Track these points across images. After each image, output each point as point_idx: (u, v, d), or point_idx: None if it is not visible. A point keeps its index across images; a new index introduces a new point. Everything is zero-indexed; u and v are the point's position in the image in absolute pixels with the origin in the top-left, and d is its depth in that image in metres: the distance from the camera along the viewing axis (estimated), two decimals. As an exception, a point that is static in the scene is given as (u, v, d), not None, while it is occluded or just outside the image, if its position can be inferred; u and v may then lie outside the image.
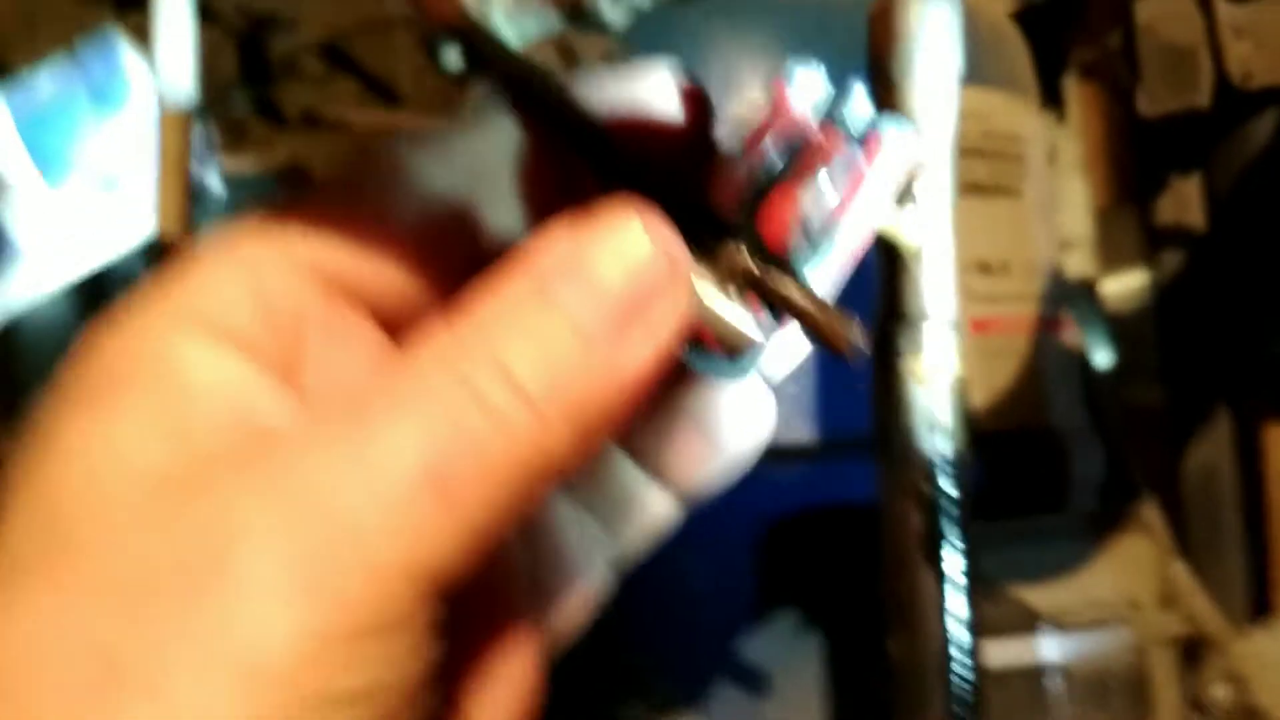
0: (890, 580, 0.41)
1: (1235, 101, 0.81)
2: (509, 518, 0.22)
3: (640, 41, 0.65)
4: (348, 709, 0.20)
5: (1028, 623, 0.55)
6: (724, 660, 0.62)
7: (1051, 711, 0.55)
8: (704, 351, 0.25)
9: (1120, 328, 0.85)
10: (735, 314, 0.25)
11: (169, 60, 0.50)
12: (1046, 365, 0.70)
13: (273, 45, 0.83)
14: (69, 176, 0.79)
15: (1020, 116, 0.73)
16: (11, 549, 0.21)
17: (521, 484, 0.22)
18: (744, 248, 0.25)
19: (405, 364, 0.22)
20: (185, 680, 0.19)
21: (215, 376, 0.23)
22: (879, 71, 0.42)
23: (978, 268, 0.68)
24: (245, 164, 1.03)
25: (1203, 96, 0.79)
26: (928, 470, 0.40)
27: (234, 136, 1.06)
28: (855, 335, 0.24)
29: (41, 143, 0.78)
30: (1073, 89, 0.93)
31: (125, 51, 0.78)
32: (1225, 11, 0.78)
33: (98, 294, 0.93)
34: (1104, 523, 0.65)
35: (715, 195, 0.25)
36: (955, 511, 0.40)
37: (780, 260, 0.25)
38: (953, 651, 0.39)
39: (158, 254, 0.50)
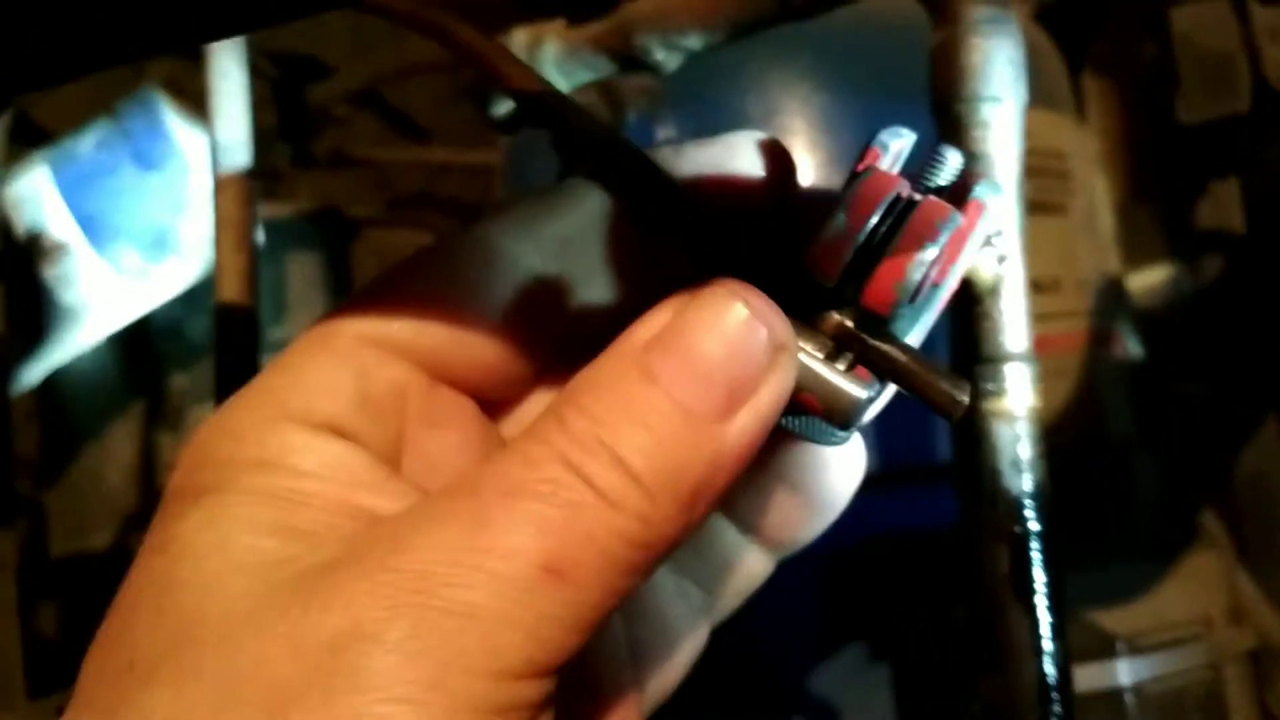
0: (981, 621, 0.40)
1: (1273, 104, 0.81)
2: (623, 597, 0.22)
3: (681, 80, 0.65)
4: None
5: (1104, 647, 0.55)
6: (792, 694, 0.62)
7: (1131, 733, 0.55)
8: (805, 416, 0.25)
9: (1149, 322, 0.84)
10: (840, 381, 0.25)
11: (226, 122, 0.51)
12: (1100, 380, 0.70)
13: (310, 93, 0.84)
14: (115, 238, 0.80)
15: (1062, 132, 0.73)
16: (134, 645, 0.22)
17: (635, 564, 0.22)
18: (848, 313, 0.25)
19: (514, 452, 0.23)
20: None
21: (320, 466, 0.23)
22: (943, 107, 0.42)
23: (1030, 287, 0.68)
24: (280, 209, 1.04)
25: (1242, 101, 0.79)
26: (1015, 509, 0.40)
27: (269, 183, 1.06)
28: (964, 394, 0.24)
29: (87, 205, 0.79)
30: (1090, 86, 0.93)
31: (167, 111, 0.78)
32: (1261, 16, 0.78)
33: (137, 341, 0.93)
34: (1169, 539, 0.65)
35: (815, 260, 0.25)
36: (1043, 548, 0.40)
37: (882, 322, 0.25)
38: (1050, 692, 0.39)
39: (221, 320, 0.50)
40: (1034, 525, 0.40)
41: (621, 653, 0.30)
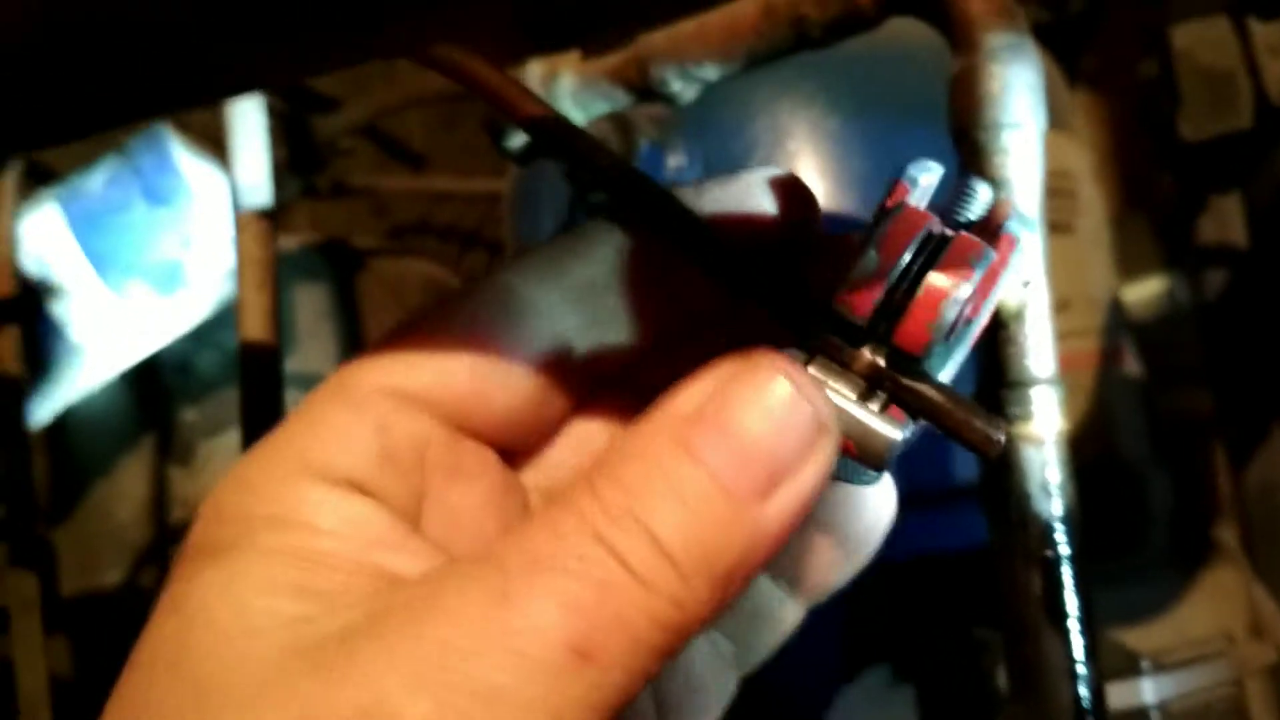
0: (1013, 646, 0.40)
1: (1274, 119, 0.82)
2: (651, 675, 0.22)
3: (692, 106, 0.65)
4: None
5: (1129, 665, 0.55)
6: (820, 715, 0.62)
7: (1158, 752, 0.55)
8: (840, 459, 0.25)
9: (1150, 335, 0.85)
10: (874, 422, 0.24)
11: (246, 162, 0.51)
12: (1112, 397, 0.70)
13: (317, 127, 0.84)
14: (126, 273, 0.80)
15: (1069, 151, 0.74)
16: (149, 710, 0.21)
17: (664, 646, 0.22)
18: (880, 351, 0.25)
19: (542, 522, 0.22)
20: None
21: (339, 523, 0.23)
22: (963, 134, 0.42)
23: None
24: (286, 241, 1.04)
25: (1244, 118, 0.80)
26: (1046, 533, 0.40)
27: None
28: (1000, 433, 0.24)
29: (97, 243, 0.79)
30: (1082, 100, 0.93)
31: (177, 148, 0.79)
32: (1261, 33, 0.79)
33: (147, 376, 0.93)
34: (1186, 554, 0.65)
35: (847, 299, 0.25)
36: (1075, 571, 0.40)
37: (915, 361, 0.25)
38: (1086, 715, 0.39)
39: (245, 358, 0.50)
40: (1065, 549, 0.40)
41: (649, 710, 0.29)
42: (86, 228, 0.79)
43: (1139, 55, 0.91)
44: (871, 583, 0.64)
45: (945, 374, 0.26)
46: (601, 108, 0.52)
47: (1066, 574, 0.40)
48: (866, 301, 0.24)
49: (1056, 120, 0.75)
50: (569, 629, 0.21)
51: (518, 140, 0.56)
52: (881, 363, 0.25)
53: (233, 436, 0.79)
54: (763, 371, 0.23)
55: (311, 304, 1.00)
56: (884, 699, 0.61)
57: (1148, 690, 0.55)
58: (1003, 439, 0.24)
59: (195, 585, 0.22)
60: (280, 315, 0.96)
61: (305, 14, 0.20)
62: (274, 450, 0.24)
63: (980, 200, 0.26)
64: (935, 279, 0.24)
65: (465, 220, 1.41)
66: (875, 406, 0.25)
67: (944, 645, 0.61)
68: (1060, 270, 0.70)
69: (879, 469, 0.25)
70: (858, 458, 0.25)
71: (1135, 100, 0.91)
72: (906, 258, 0.24)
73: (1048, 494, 0.40)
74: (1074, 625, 0.39)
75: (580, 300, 0.27)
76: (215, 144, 0.71)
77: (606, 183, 0.26)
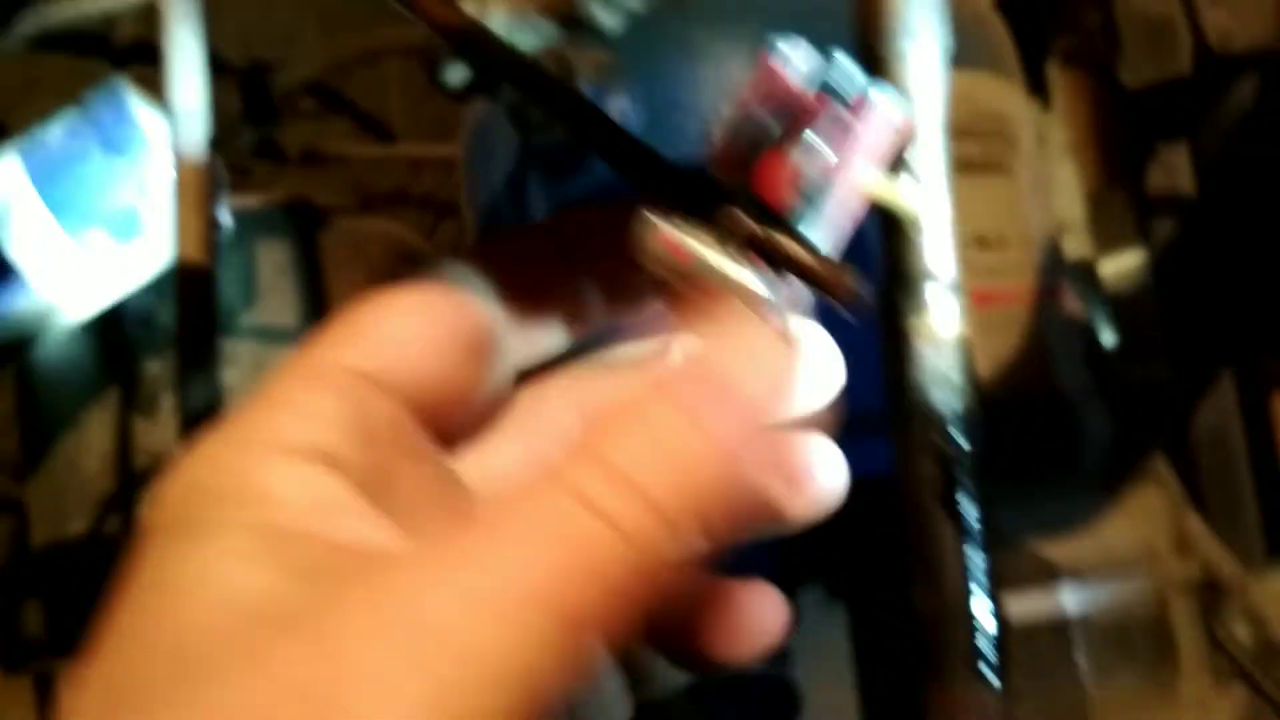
0: (909, 534, 0.42)
1: (1216, 67, 0.83)
2: (632, 626, 0.21)
3: (631, 50, 0.66)
4: None
5: (1047, 576, 0.57)
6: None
7: (1075, 661, 0.56)
8: None
9: (1121, 307, 0.86)
10: (740, 273, 0.26)
11: (182, 90, 0.52)
12: (1049, 333, 0.72)
13: (273, 85, 0.86)
14: (85, 224, 0.81)
15: (1007, 98, 0.75)
16: (120, 681, 0.21)
17: (646, 591, 0.21)
18: (745, 210, 0.26)
19: (516, 489, 0.22)
20: None
21: (309, 498, 0.22)
22: (867, 51, 0.44)
23: (976, 243, 0.70)
24: (250, 201, 1.05)
25: (1182, 63, 0.81)
26: (940, 424, 0.42)
27: (237, 176, 1.08)
28: (856, 284, 0.26)
29: (57, 195, 0.80)
30: (1057, 76, 0.95)
31: (134, 101, 0.80)
32: (1198, -20, 0.80)
33: (110, 329, 0.95)
34: (1116, 476, 0.67)
35: (712, 157, 0.26)
36: (968, 463, 0.42)
37: (780, 220, 0.26)
38: (973, 599, 0.41)
39: (183, 285, 0.52)
40: (958, 439, 0.41)
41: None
42: (45, 178, 0.80)
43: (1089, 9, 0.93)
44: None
45: (818, 237, 0.27)
46: (531, 41, 0.54)
47: (961, 467, 0.41)
48: (727, 159, 0.26)
49: (997, 66, 0.77)
50: (542, 585, 0.20)
51: (456, 75, 0.57)
52: (748, 220, 0.26)
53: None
54: (740, 320, 0.24)
55: (273, 260, 1.02)
56: (817, 616, 0.63)
57: (1067, 601, 0.57)
58: (860, 290, 0.26)
59: (165, 561, 0.22)
60: (236, 268, 0.98)
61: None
62: (240, 426, 0.24)
63: (841, 69, 0.28)
64: (788, 134, 0.26)
65: (441, 190, 1.42)
66: (747, 264, 0.26)
67: (875, 563, 0.62)
68: (995, 209, 0.72)
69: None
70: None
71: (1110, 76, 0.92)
72: (762, 118, 0.26)
73: (941, 386, 0.42)
74: (967, 514, 0.41)
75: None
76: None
77: (507, 71, 0.28)
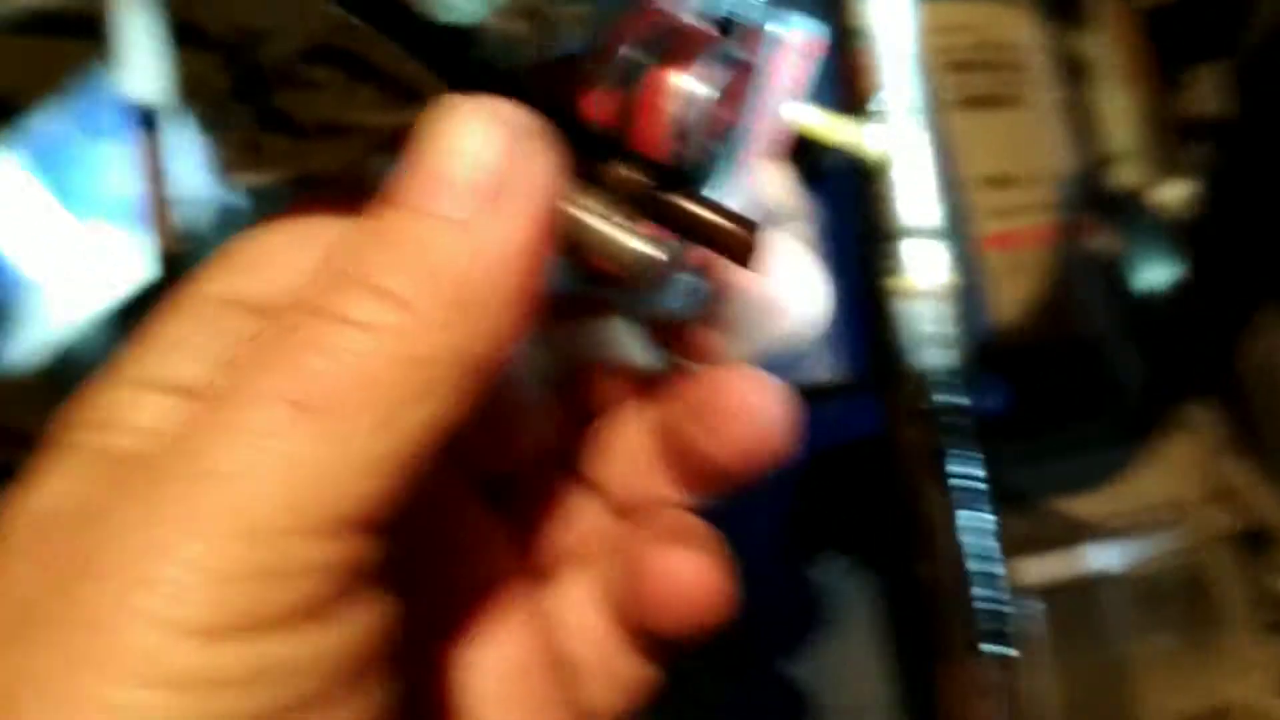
0: (905, 505, 0.40)
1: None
2: (432, 431, 0.21)
3: (611, 5, 0.63)
4: (245, 691, 0.19)
5: (1075, 534, 0.54)
6: (774, 611, 0.62)
7: (1108, 620, 0.54)
8: (609, 282, 0.24)
9: (1176, 237, 0.82)
10: (628, 238, 0.23)
11: (132, 75, 0.51)
12: (1072, 273, 0.68)
13: (261, 55, 0.84)
14: (87, 213, 0.80)
15: (1013, 24, 0.71)
16: None
17: (425, 385, 0.21)
18: (635, 166, 0.23)
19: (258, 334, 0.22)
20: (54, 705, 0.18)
21: (156, 424, 0.22)
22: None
23: (989, 182, 0.66)
24: (264, 177, 1.04)
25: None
26: (926, 385, 0.39)
27: (248, 152, 1.06)
28: (757, 241, 0.23)
29: (54, 182, 0.79)
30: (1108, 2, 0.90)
31: (114, 80, 0.78)
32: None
33: (135, 316, 0.94)
34: (1147, 424, 0.63)
35: (584, 105, 0.24)
36: (961, 422, 0.39)
37: (675, 174, 0.23)
38: (971, 566, 0.38)
39: (166, 267, 0.51)
40: (945, 401, 0.39)
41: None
42: (42, 168, 0.79)
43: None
44: (821, 469, 0.63)
45: (719, 189, 0.24)
46: (495, 3, 0.51)
47: (951, 424, 0.39)
48: (599, 107, 0.23)
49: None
50: (291, 389, 0.20)
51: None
52: (628, 173, 0.24)
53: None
54: (441, 109, 0.22)
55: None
56: (841, 582, 0.61)
57: (1096, 559, 0.54)
58: (757, 241, 0.23)
59: (23, 489, 0.22)
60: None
61: None
62: (120, 365, 0.24)
63: (739, 2, 0.25)
64: (661, 75, 0.23)
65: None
66: (631, 223, 0.23)
67: (896, 529, 0.60)
68: (1008, 145, 0.68)
69: (651, 288, 0.24)
70: (624, 280, 0.24)
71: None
72: (629, 53, 0.23)
73: (924, 346, 0.39)
74: (957, 475, 0.38)
75: None
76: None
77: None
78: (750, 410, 0.27)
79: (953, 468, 0.38)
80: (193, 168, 0.78)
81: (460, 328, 0.21)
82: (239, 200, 0.91)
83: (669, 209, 0.23)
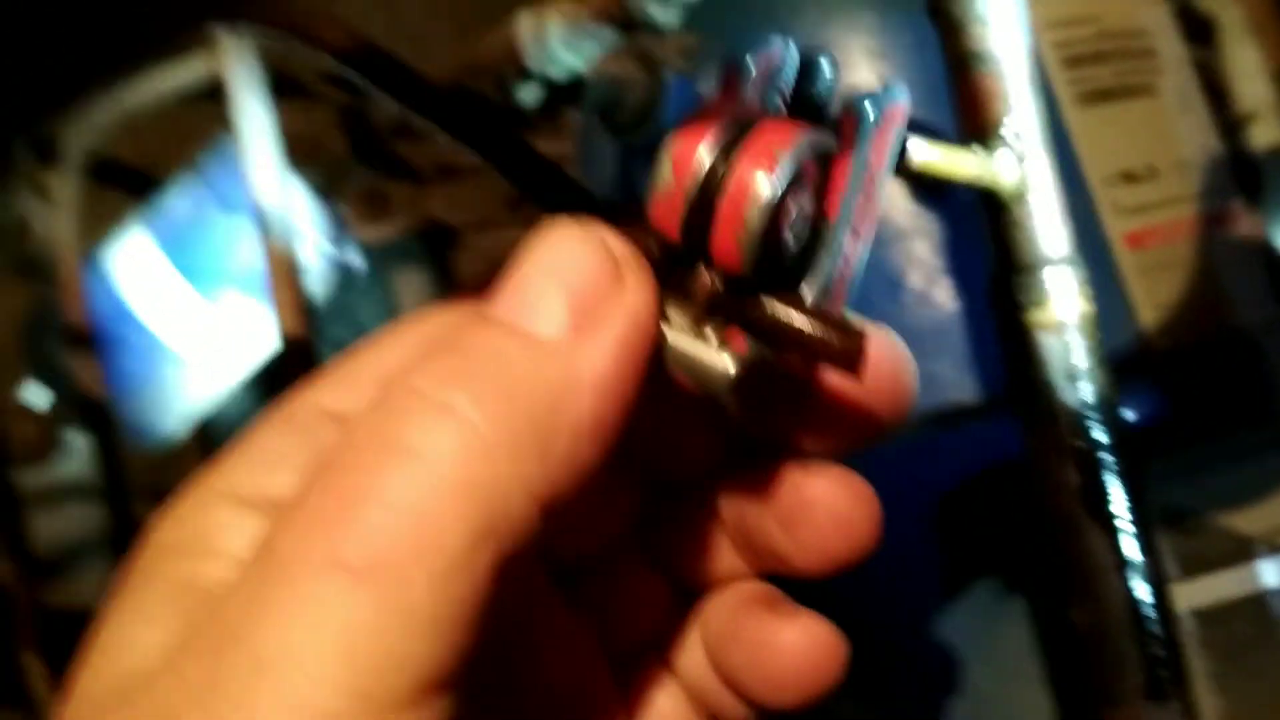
0: (1059, 546, 0.38)
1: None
2: (501, 572, 0.20)
3: (715, 31, 0.63)
4: None
5: (1242, 551, 0.51)
6: (925, 642, 0.60)
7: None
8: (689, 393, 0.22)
9: None
10: (702, 352, 0.22)
11: (256, 161, 0.52)
12: (1220, 264, 0.64)
13: (375, 115, 0.85)
14: (219, 285, 0.83)
15: (1136, 8, 0.68)
16: None
17: (495, 526, 0.19)
18: (717, 272, 0.22)
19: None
20: None
21: (244, 547, 0.22)
22: (936, 8, 0.39)
23: (1122, 179, 0.63)
24: (388, 229, 1.06)
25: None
26: (1075, 423, 0.37)
27: (374, 205, 1.08)
28: (855, 348, 0.21)
29: (186, 258, 0.82)
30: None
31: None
32: None
33: (274, 381, 0.97)
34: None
35: (656, 219, 0.22)
36: (1113, 460, 0.37)
37: (759, 278, 0.22)
38: (1141, 610, 0.36)
39: (283, 357, 0.52)
40: (1100, 437, 0.37)
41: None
42: (174, 245, 0.82)
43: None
44: (966, 495, 0.61)
45: (815, 286, 0.23)
46: (593, 48, 0.51)
47: (1104, 463, 0.37)
48: (673, 220, 0.22)
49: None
50: (351, 564, 0.19)
51: (529, 94, 0.55)
52: (719, 284, 0.22)
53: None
54: (543, 233, 0.22)
55: (413, 288, 1.02)
56: (993, 613, 0.59)
57: (1265, 574, 0.51)
58: (861, 345, 0.21)
59: (104, 622, 0.22)
60: (375, 304, 0.98)
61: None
62: (205, 477, 0.24)
63: (822, 78, 0.24)
64: (736, 180, 0.21)
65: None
66: (711, 334, 0.22)
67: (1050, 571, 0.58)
68: (1140, 137, 0.65)
69: (726, 402, 0.22)
70: (699, 394, 0.22)
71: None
72: (705, 160, 0.22)
73: (1073, 381, 0.37)
74: (1118, 515, 0.36)
75: None
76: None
77: (430, 100, 0.25)
78: (830, 514, 0.26)
79: (1109, 506, 0.36)
80: (312, 233, 0.80)
81: (531, 457, 0.20)
82: (357, 261, 0.93)
83: (760, 318, 0.22)
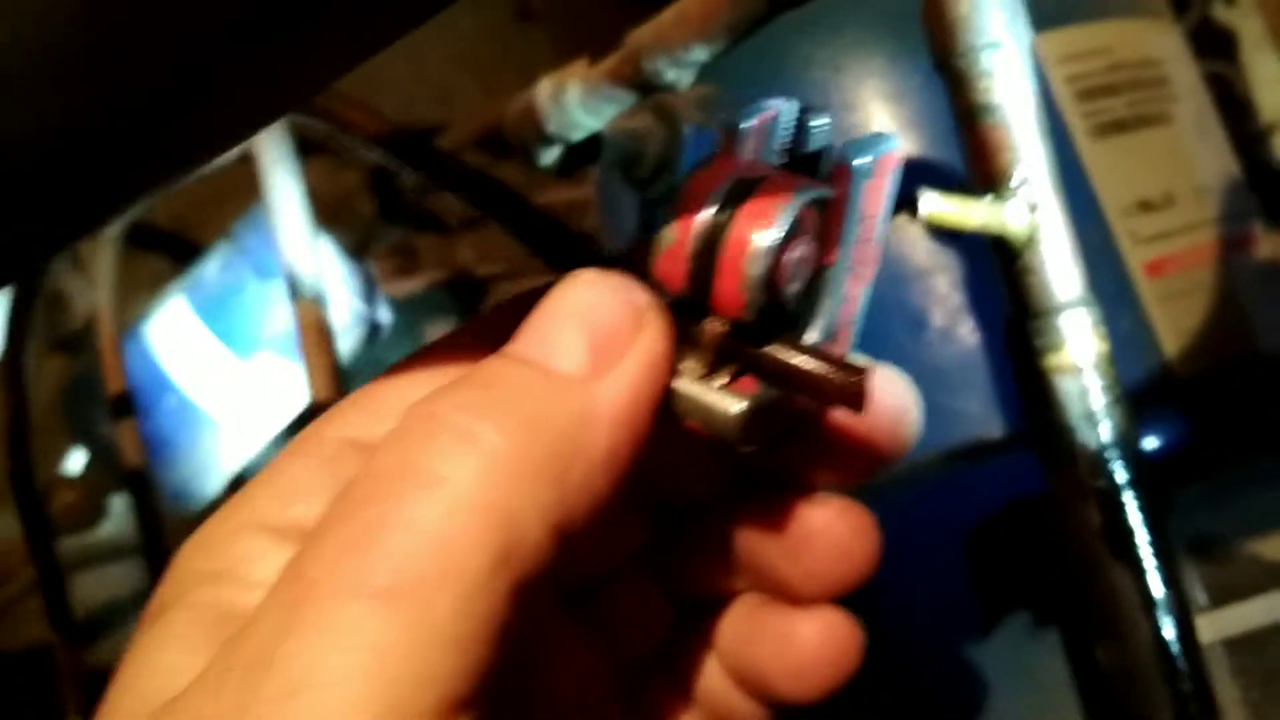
0: (1084, 586, 0.38)
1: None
2: (522, 592, 0.20)
3: (731, 81, 0.64)
4: None
5: (1270, 578, 0.51)
6: (961, 674, 0.60)
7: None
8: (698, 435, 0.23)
9: None
10: (712, 398, 0.23)
11: (287, 230, 0.53)
12: (1241, 288, 0.65)
13: (404, 176, 0.87)
14: (254, 349, 0.85)
15: (1148, 37, 0.69)
16: None
17: (513, 550, 0.20)
18: (724, 319, 0.23)
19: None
20: None
21: (270, 574, 0.22)
22: (943, 64, 0.40)
23: (1139, 208, 0.64)
24: (410, 284, 1.08)
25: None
26: (1095, 463, 0.38)
27: (403, 260, 1.10)
28: (859, 387, 0.22)
29: (223, 325, 0.84)
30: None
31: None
32: None
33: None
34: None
35: (660, 272, 0.23)
36: (1135, 496, 0.37)
37: (763, 324, 0.23)
38: (1169, 648, 0.37)
39: (313, 414, 0.53)
40: (1120, 476, 0.37)
41: None
42: (210, 312, 0.84)
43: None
44: (997, 527, 0.62)
45: (818, 328, 0.24)
46: (610, 110, 0.52)
47: (1126, 502, 0.37)
48: (677, 272, 0.23)
49: (1132, 8, 0.71)
50: (376, 588, 0.19)
51: (549, 156, 0.56)
52: (726, 330, 0.23)
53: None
54: (566, 279, 0.23)
55: (443, 339, 1.03)
56: (1028, 645, 0.59)
57: (1296, 602, 0.51)
58: (864, 388, 0.22)
59: (133, 650, 0.23)
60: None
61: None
62: (231, 505, 0.24)
63: (816, 133, 0.24)
64: (736, 233, 0.23)
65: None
66: (722, 380, 0.23)
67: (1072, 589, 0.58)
68: (1156, 165, 0.66)
69: (735, 445, 0.23)
70: (712, 439, 0.23)
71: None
72: (708, 214, 0.23)
73: (1091, 423, 0.38)
74: (1142, 554, 0.37)
75: None
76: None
77: (451, 175, 0.26)
78: (832, 545, 0.27)
79: (1132, 545, 0.36)
80: (343, 294, 0.82)
81: (549, 485, 0.21)
82: (387, 317, 0.95)
83: (765, 361, 0.23)
